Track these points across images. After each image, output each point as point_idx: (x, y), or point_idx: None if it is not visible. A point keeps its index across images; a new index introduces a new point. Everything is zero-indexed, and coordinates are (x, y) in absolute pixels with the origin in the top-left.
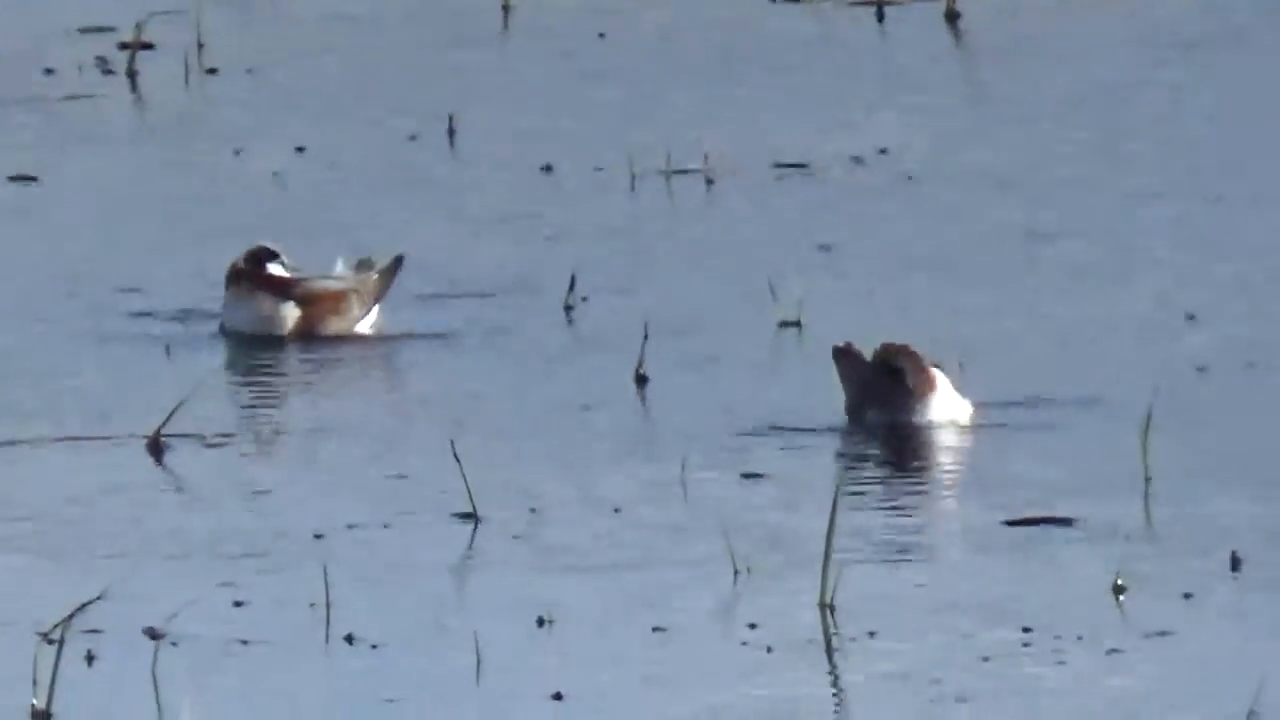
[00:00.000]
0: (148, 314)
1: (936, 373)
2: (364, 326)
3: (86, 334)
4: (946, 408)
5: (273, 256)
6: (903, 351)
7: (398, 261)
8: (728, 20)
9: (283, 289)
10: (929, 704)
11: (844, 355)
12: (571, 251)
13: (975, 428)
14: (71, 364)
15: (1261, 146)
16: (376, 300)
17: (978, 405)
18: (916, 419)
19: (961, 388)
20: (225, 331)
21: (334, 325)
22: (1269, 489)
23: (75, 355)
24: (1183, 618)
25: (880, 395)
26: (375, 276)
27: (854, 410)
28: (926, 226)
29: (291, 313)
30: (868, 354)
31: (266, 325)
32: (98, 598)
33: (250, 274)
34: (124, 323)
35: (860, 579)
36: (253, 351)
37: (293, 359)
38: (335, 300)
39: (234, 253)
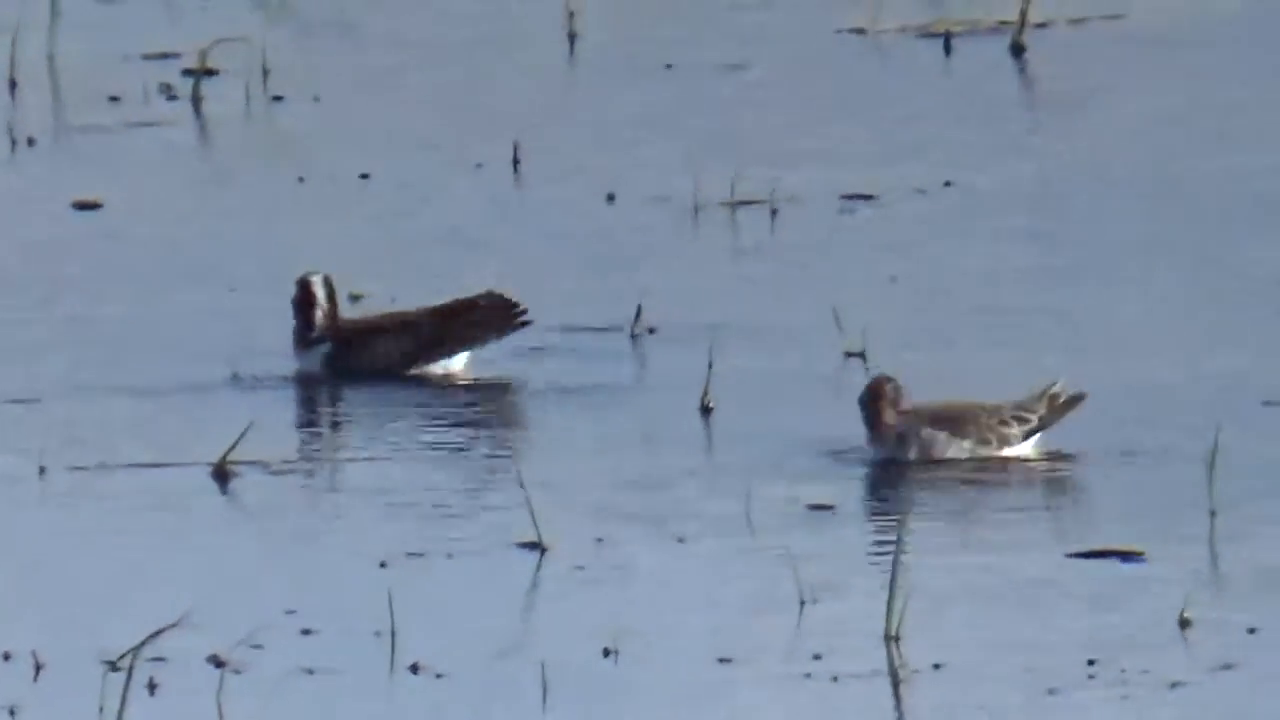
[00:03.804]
0: (206, 341)
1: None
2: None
3: (148, 363)
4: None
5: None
6: (875, 389)
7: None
8: (793, 52)
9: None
10: None
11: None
12: (637, 282)
13: (1048, 461)
14: (138, 391)
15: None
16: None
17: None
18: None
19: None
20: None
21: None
22: None
23: (140, 383)
24: (1245, 651)
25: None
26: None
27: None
28: (993, 258)
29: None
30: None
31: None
32: (173, 625)
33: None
34: (183, 353)
35: (926, 610)
36: (311, 384)
37: (355, 392)
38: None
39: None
